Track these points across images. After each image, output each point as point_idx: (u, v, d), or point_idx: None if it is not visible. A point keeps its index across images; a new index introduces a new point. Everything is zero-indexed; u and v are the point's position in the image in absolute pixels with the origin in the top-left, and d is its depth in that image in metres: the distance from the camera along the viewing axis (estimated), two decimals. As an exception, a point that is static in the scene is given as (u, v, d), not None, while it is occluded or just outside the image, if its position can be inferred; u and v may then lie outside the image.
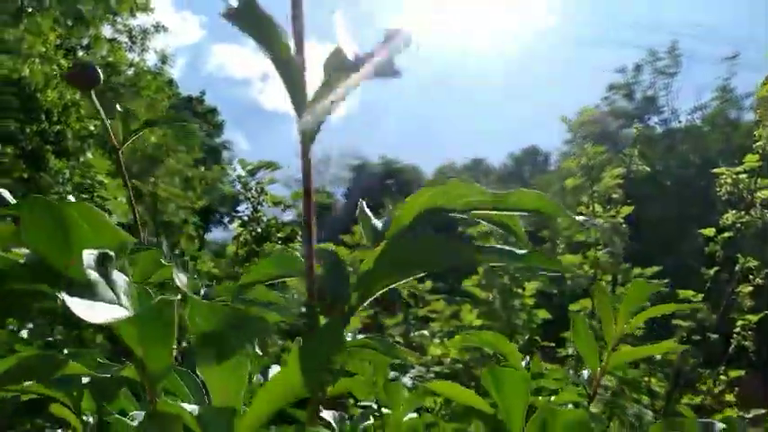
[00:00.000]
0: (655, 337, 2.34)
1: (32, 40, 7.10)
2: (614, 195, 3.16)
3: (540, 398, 1.19)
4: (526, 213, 0.47)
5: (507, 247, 0.45)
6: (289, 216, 3.30)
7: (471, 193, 0.43)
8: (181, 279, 0.25)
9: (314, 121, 0.35)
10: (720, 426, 0.56)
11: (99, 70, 0.82)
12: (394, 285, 0.42)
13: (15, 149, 7.43)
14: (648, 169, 3.18)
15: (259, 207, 2.83)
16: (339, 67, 0.34)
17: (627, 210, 2.94)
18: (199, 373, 0.33)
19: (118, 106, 0.88)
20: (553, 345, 3.01)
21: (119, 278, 0.27)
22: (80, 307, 0.23)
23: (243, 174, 2.82)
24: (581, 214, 3.09)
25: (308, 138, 0.37)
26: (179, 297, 0.30)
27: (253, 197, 2.82)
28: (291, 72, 0.36)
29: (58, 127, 7.68)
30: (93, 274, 0.25)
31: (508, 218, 0.48)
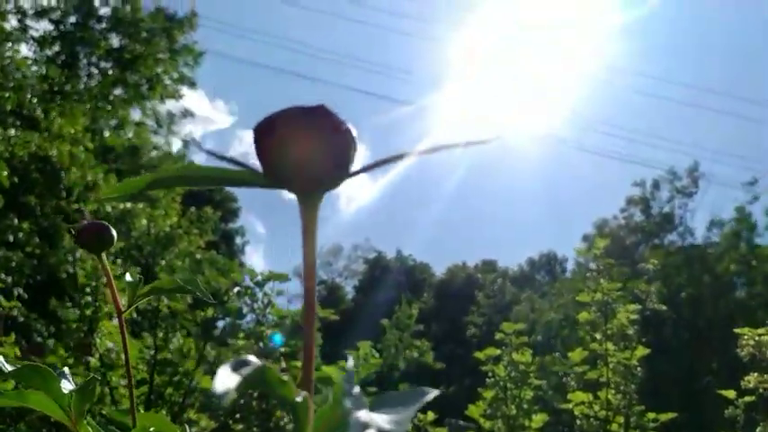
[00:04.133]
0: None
1: (63, 123, 7.31)
2: (628, 332, 3.04)
3: None
4: None
5: None
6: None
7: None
8: None
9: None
10: None
11: (112, 230, 0.77)
12: None
13: (31, 225, 7.49)
14: (665, 307, 3.08)
15: (263, 320, 2.75)
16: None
17: (641, 352, 2.82)
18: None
19: (128, 275, 0.83)
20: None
21: None
22: None
23: (251, 285, 2.76)
24: (594, 351, 2.97)
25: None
26: None
27: (259, 309, 2.74)
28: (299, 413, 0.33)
29: (76, 205, 7.76)
30: None
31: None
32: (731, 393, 2.31)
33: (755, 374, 2.15)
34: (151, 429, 0.72)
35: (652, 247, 11.57)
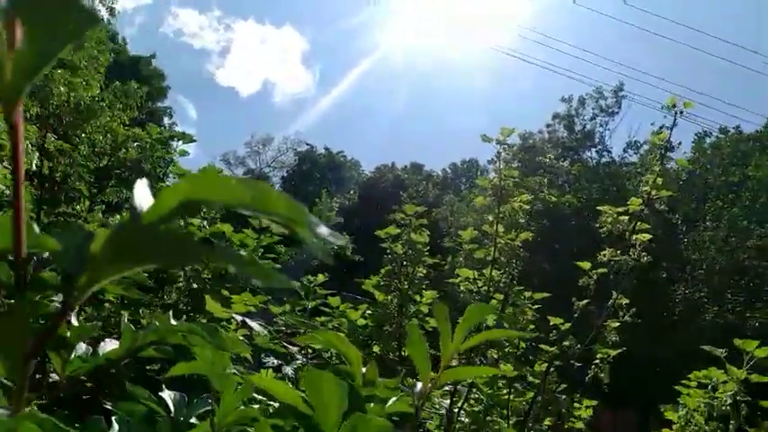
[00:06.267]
0: (523, 357, 2.44)
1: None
2: (520, 220, 3.25)
3: (373, 405, 1.23)
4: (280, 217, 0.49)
5: (237, 251, 0.46)
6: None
7: (232, 190, 0.43)
8: None
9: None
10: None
11: None
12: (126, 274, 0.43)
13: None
14: (555, 199, 3.29)
15: (164, 178, 2.78)
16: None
17: (525, 235, 3.04)
18: None
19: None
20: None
21: None
22: None
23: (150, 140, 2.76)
24: (485, 233, 3.18)
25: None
26: None
27: (159, 166, 2.77)
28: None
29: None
30: None
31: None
32: (587, 265, 2.56)
33: (610, 249, 2.39)
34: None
35: (571, 162, 12.07)
